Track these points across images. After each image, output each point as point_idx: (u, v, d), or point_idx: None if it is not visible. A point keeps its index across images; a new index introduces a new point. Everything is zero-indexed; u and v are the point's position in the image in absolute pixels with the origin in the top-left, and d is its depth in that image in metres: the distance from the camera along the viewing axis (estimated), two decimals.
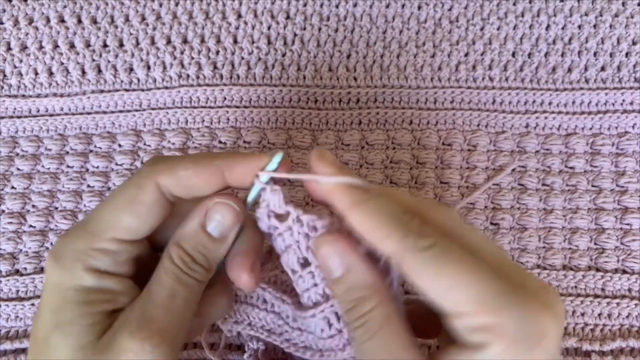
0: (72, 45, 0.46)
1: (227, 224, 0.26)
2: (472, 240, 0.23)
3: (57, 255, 0.25)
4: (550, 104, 0.44)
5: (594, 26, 0.45)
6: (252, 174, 0.26)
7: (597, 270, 0.40)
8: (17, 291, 0.41)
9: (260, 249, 0.28)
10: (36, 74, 0.45)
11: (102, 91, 0.45)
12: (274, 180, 0.27)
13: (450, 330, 0.23)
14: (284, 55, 0.45)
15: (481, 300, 0.21)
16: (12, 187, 0.43)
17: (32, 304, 0.40)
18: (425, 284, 0.22)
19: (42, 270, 0.41)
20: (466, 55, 0.45)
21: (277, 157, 0.26)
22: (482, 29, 0.45)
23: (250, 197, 0.27)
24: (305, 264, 0.27)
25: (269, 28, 0.46)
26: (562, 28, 0.45)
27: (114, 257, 0.25)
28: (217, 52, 0.45)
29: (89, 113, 0.45)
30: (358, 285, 0.24)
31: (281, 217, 0.27)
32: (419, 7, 0.46)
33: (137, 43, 0.45)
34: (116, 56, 0.45)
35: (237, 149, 0.43)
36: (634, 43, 0.45)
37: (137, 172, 0.26)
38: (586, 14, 0.45)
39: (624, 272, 0.40)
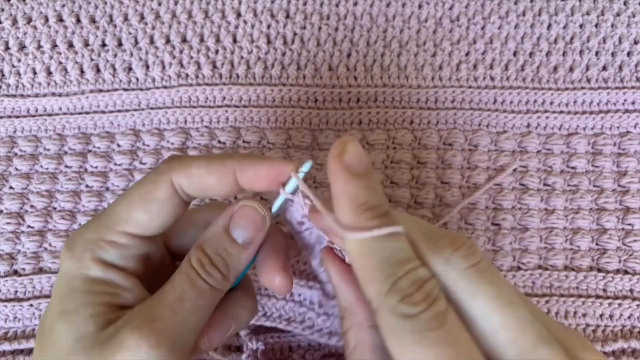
0: (70, 45, 0.45)
1: (252, 229, 0.26)
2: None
3: (70, 245, 0.25)
4: (551, 103, 0.44)
5: (596, 25, 0.45)
6: (264, 180, 0.26)
7: (599, 270, 0.40)
8: (16, 292, 0.40)
9: (287, 251, 0.28)
10: (34, 73, 0.45)
11: (100, 91, 0.45)
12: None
13: None
14: (283, 54, 0.45)
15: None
16: (11, 187, 0.43)
17: (31, 305, 0.40)
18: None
19: (40, 271, 0.41)
20: (467, 54, 0.45)
21: (306, 166, 0.25)
22: (483, 28, 0.45)
23: (275, 207, 0.26)
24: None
25: (268, 27, 0.45)
26: (564, 27, 0.45)
27: (123, 250, 0.25)
28: (217, 52, 0.45)
29: (87, 113, 0.44)
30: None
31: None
32: (420, 6, 0.45)
33: (136, 42, 0.45)
34: (115, 55, 0.45)
35: (236, 148, 0.43)
36: (636, 42, 0.45)
37: (155, 168, 0.26)
38: (588, 13, 0.45)
39: (626, 272, 0.40)
